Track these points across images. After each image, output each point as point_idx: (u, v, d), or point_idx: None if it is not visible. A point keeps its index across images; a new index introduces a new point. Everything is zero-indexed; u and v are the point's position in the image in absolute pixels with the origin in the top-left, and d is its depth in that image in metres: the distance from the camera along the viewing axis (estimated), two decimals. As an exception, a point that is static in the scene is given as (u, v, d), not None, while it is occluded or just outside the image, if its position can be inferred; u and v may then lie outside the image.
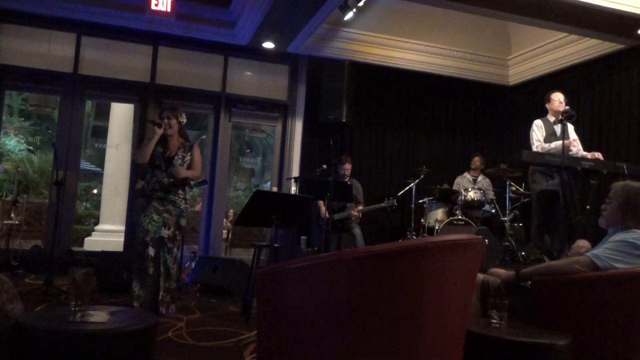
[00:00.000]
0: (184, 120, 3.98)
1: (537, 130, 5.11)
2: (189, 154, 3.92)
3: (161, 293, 3.73)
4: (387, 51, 7.08)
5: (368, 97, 7.33)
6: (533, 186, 5.17)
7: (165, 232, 3.73)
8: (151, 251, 3.69)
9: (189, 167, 3.90)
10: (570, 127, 5.21)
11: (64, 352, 1.87)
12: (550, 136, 5.04)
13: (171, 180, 3.76)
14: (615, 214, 2.45)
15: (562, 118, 4.71)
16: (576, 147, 5.11)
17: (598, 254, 2.33)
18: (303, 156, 7.04)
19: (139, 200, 3.82)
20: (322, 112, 6.93)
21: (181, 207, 3.83)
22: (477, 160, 6.93)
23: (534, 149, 5.03)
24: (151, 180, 3.79)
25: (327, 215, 5.09)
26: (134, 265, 3.78)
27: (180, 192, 3.84)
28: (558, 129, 4.88)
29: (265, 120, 7.49)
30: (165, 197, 3.78)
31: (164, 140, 3.87)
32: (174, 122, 3.89)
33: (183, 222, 3.85)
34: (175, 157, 3.84)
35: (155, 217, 3.73)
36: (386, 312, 1.58)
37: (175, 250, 3.80)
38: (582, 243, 2.69)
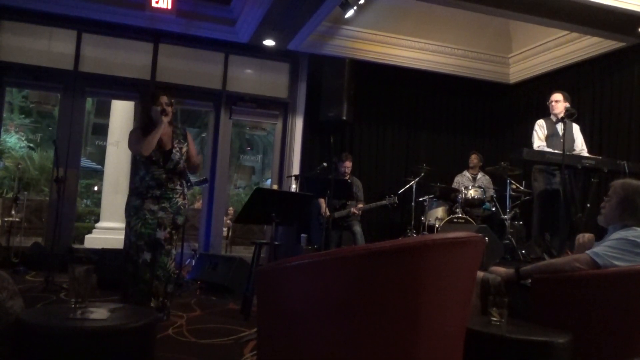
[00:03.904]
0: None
1: (539, 130, 5.10)
2: (185, 143, 3.55)
3: (160, 299, 3.42)
4: (388, 49, 7.07)
5: (368, 95, 7.32)
6: (534, 184, 5.16)
7: (161, 234, 3.38)
8: (147, 255, 3.35)
9: (188, 159, 3.58)
10: (576, 128, 5.20)
11: (64, 349, 1.87)
12: (551, 136, 5.03)
13: (169, 176, 3.46)
14: (614, 211, 2.45)
15: (564, 116, 4.71)
16: (585, 152, 5.11)
17: (598, 251, 2.33)
18: (303, 154, 7.04)
19: (132, 200, 3.46)
20: (322, 110, 6.93)
21: (178, 203, 3.49)
22: (474, 158, 6.92)
23: (535, 148, 5.02)
24: (146, 177, 3.44)
25: (328, 213, 5.09)
26: (128, 270, 3.40)
27: (178, 187, 3.51)
28: (559, 128, 4.88)
29: (266, 118, 7.50)
30: (161, 195, 3.44)
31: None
32: (170, 109, 3.41)
33: (180, 220, 3.51)
34: (174, 151, 3.47)
35: (149, 218, 3.38)
36: (386, 310, 1.58)
37: (173, 251, 3.48)
38: (587, 235, 2.68)
